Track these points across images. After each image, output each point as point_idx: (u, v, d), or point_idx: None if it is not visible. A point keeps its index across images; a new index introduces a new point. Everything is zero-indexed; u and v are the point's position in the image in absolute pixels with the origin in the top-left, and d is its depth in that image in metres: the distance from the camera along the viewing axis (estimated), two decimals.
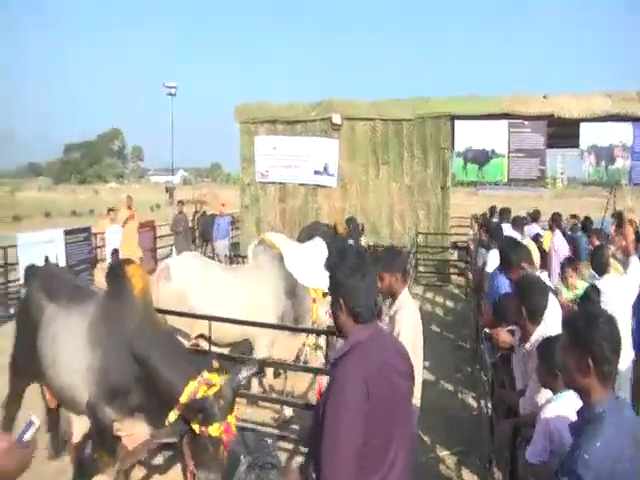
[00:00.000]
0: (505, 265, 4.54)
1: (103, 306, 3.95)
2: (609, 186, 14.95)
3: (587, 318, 2.33)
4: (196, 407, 3.24)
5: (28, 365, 4.37)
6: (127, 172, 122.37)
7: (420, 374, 3.74)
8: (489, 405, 5.89)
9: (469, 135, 14.62)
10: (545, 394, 3.19)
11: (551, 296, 3.92)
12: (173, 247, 14.40)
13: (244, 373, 3.46)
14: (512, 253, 4.46)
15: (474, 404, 6.81)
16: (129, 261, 4.08)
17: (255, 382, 6.64)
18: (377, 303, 2.32)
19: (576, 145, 14.43)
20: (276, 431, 5.83)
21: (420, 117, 14.78)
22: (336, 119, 15.22)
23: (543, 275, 4.45)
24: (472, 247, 11.90)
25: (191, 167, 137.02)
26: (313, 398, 6.49)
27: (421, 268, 14.97)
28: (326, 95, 15.47)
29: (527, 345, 3.58)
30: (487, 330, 4.05)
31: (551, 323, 3.58)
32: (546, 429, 2.91)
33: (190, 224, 17.91)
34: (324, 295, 6.57)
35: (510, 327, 4.07)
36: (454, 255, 15.89)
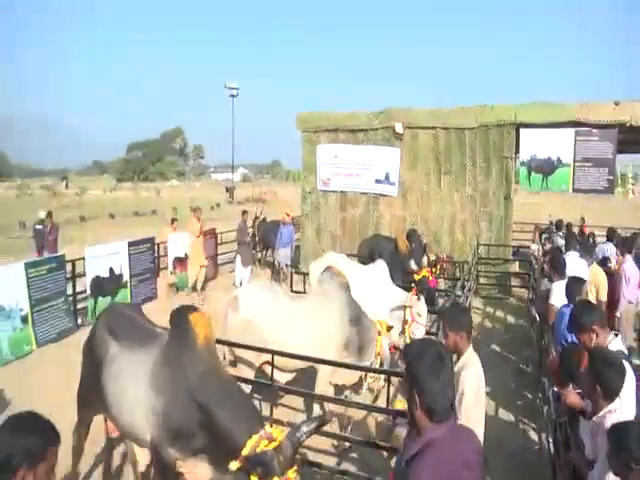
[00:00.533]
0: (575, 328, 4.36)
1: (166, 351, 4.01)
2: None
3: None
4: (256, 461, 3.27)
5: (93, 398, 4.50)
6: (188, 170, 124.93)
7: (482, 425, 3.70)
8: (550, 440, 5.85)
9: (534, 144, 14.27)
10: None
11: (626, 366, 3.69)
12: (237, 256, 14.60)
13: (304, 429, 3.42)
14: (583, 316, 4.26)
15: (535, 437, 6.69)
16: (193, 308, 4.08)
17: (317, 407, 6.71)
18: (452, 402, 2.34)
19: None
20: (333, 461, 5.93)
21: (483, 125, 14.53)
22: (398, 128, 15.18)
23: (616, 341, 4.19)
24: (534, 262, 11.59)
25: (251, 164, 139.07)
26: (372, 430, 6.62)
27: (482, 280, 14.77)
28: (387, 104, 15.39)
29: (595, 418, 3.49)
30: (556, 389, 3.94)
31: (625, 397, 3.47)
32: None
33: (250, 230, 18.21)
34: (388, 329, 6.66)
35: (578, 390, 3.96)
36: (515, 265, 15.62)
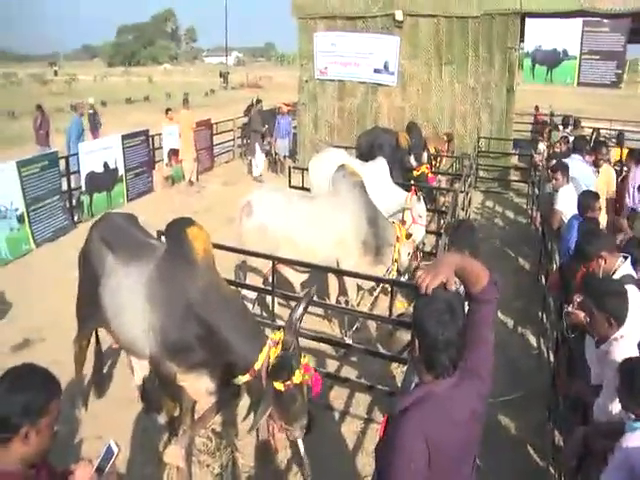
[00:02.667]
0: (582, 256, 4.24)
1: (163, 266, 3.92)
2: None
3: None
4: (280, 369, 3.38)
5: (92, 311, 4.45)
6: (180, 53, 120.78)
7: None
8: (550, 348, 5.85)
9: (539, 34, 13.70)
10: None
11: (632, 290, 3.63)
12: (256, 145, 14.44)
13: (295, 315, 3.48)
14: (590, 245, 4.12)
15: (534, 342, 6.76)
16: (190, 221, 3.92)
17: None
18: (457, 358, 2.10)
19: None
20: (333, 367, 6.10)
21: (487, 14, 13.80)
22: (399, 15, 14.46)
23: (625, 265, 4.04)
24: (539, 163, 11.35)
25: (245, 47, 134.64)
26: (373, 335, 6.72)
27: (481, 173, 14.71)
28: None
29: (603, 347, 3.38)
30: (569, 309, 3.85)
31: (632, 322, 3.35)
32: (626, 463, 2.67)
33: (246, 120, 17.83)
34: (408, 237, 6.63)
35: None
36: (515, 159, 15.47)
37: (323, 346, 6.14)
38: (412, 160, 9.59)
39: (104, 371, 5.60)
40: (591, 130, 14.55)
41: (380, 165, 8.28)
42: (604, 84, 13.81)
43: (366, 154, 9.57)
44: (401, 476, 1.97)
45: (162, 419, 4.67)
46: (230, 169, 16.33)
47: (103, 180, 11.50)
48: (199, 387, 3.94)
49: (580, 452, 3.35)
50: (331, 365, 6.11)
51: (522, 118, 17.89)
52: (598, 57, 13.46)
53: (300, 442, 3.67)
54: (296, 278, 6.72)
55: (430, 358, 2.07)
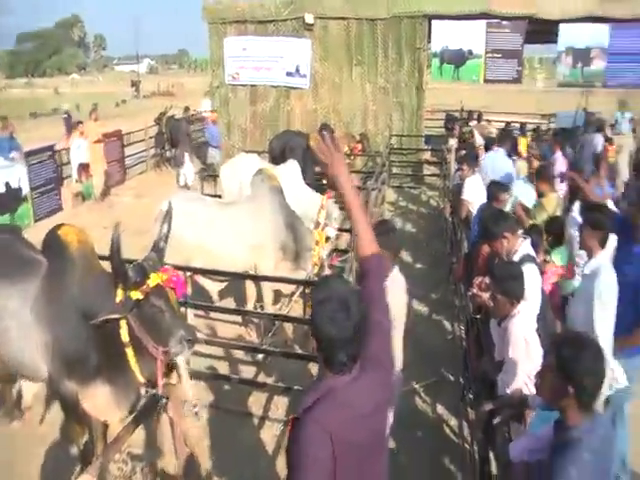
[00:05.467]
0: (486, 236, 4.44)
1: (47, 280, 3.78)
2: (585, 86, 14.75)
3: (575, 349, 2.37)
4: (131, 275, 3.30)
5: None
6: (89, 62, 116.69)
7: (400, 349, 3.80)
8: (463, 331, 6.10)
9: (445, 35, 14.33)
10: (522, 378, 3.36)
11: (531, 268, 3.96)
12: (184, 154, 13.82)
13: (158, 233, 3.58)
14: (494, 225, 4.28)
15: (449, 327, 6.98)
16: (59, 225, 3.87)
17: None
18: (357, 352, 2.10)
19: (554, 42, 14.25)
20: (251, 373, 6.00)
21: (396, 16, 14.22)
22: (308, 18, 14.53)
23: (525, 244, 4.29)
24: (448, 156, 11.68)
25: (157, 54, 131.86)
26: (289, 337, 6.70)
27: (395, 170, 15.05)
28: None
29: (503, 324, 3.61)
30: (474, 291, 4.00)
31: (529, 297, 3.68)
32: (533, 442, 2.82)
33: (157, 129, 17.36)
34: (327, 240, 6.62)
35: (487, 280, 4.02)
36: (427, 154, 15.87)
37: (240, 353, 6.11)
38: None
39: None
40: (503, 124, 15.09)
41: (292, 168, 8.24)
42: (507, 80, 14.56)
43: (278, 158, 9.53)
44: (305, 474, 1.95)
45: (74, 448, 4.41)
46: (143, 181, 15.78)
47: (5, 201, 10.78)
48: (103, 403, 3.72)
49: (488, 424, 3.57)
50: (249, 371, 6.04)
51: (433, 115, 18.38)
52: (500, 55, 14.22)
53: (182, 364, 3.52)
54: (213, 287, 6.60)
55: (328, 356, 2.07)
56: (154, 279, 3.32)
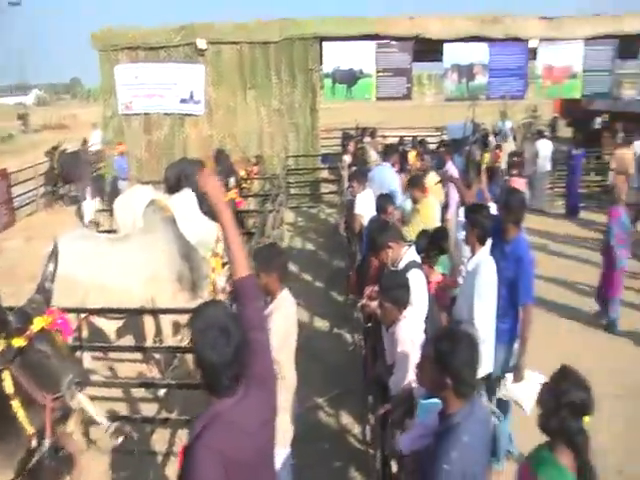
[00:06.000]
0: (372, 247, 4.61)
1: None
2: (470, 100, 15.57)
3: (451, 342, 2.53)
4: (12, 321, 3.02)
5: None
6: None
7: (292, 368, 3.82)
8: (362, 342, 6.17)
9: (337, 56, 14.71)
10: (410, 378, 3.44)
11: (416, 273, 4.16)
12: (87, 189, 13.17)
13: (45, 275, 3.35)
14: (378, 236, 4.48)
15: (350, 339, 7.09)
16: None
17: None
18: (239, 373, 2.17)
19: (440, 60, 15.10)
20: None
21: (287, 39, 14.53)
22: (201, 44, 14.49)
23: (410, 251, 4.50)
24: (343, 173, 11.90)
25: (47, 84, 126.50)
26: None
27: (293, 190, 15.19)
28: (190, 18, 14.69)
29: (391, 329, 3.77)
30: (364, 302, 4.16)
31: (416, 302, 3.89)
32: (420, 430, 2.95)
33: (49, 165, 16.43)
34: (223, 265, 6.51)
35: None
36: (325, 172, 16.09)
37: (142, 391, 5.91)
38: None
39: None
40: (397, 139, 15.59)
41: (186, 197, 8.10)
42: (398, 97, 15.16)
43: (174, 187, 9.31)
44: None
45: None
46: (34, 222, 14.73)
47: None
48: None
49: (384, 425, 3.74)
50: (151, 409, 5.82)
51: (330, 134, 18.68)
52: (390, 74, 14.82)
53: (84, 401, 3.22)
54: (110, 326, 6.35)
55: (212, 382, 2.14)
56: (38, 323, 3.09)
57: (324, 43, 14.57)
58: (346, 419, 5.48)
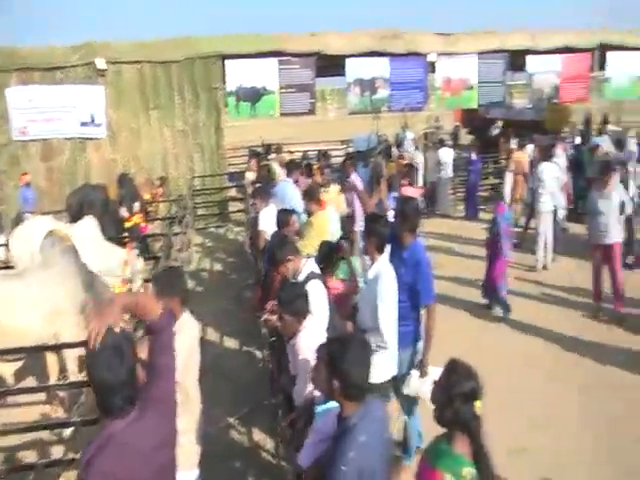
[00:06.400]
0: (273, 262, 4.73)
1: None
2: (373, 112, 16.03)
3: (340, 347, 2.63)
4: None
5: None
6: None
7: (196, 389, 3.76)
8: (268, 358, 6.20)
9: (240, 74, 14.71)
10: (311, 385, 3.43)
11: (315, 284, 4.31)
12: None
13: None
14: (278, 251, 4.61)
15: (259, 355, 7.09)
16: None
17: None
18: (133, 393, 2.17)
19: (342, 75, 15.48)
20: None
21: (189, 58, 14.36)
22: (100, 64, 13.96)
23: (309, 263, 4.64)
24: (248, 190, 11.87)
25: None
26: None
27: (201, 211, 14.92)
28: (88, 37, 14.24)
29: (292, 341, 3.85)
30: (265, 316, 4.19)
31: (315, 312, 3.99)
32: (318, 435, 3.04)
33: None
34: (130, 290, 6.36)
35: None
36: (233, 191, 15.84)
37: (46, 433, 5.61)
38: (124, 212, 9.34)
39: None
40: (301, 154, 15.79)
41: (89, 224, 7.85)
42: (302, 112, 15.37)
43: (77, 214, 8.98)
44: None
45: None
46: None
47: None
48: None
49: (290, 434, 3.82)
50: (58, 451, 5.53)
51: (237, 152, 18.52)
52: (294, 90, 14.99)
53: None
54: (8, 368, 5.99)
55: (106, 403, 2.14)
56: None
57: (226, 61, 14.52)
58: (258, 435, 5.45)
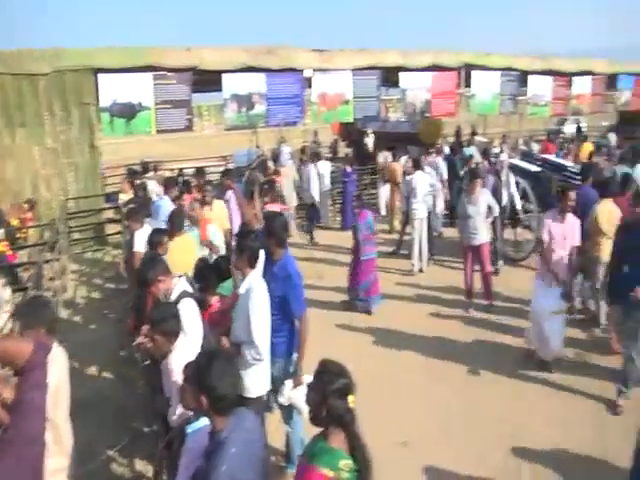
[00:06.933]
0: (143, 282, 4.61)
1: None
2: (250, 128, 16.15)
3: (205, 363, 2.65)
4: None
5: None
6: None
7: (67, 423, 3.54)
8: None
9: (114, 88, 14.11)
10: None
11: (188, 302, 4.31)
12: None
13: None
14: (147, 271, 4.54)
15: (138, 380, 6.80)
16: None
17: None
18: None
19: (219, 90, 15.42)
20: None
21: (59, 71, 13.46)
22: None
23: (182, 282, 4.61)
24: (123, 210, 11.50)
25: None
26: None
27: (76, 235, 13.96)
28: None
29: (164, 362, 3.81)
30: (139, 339, 4.08)
31: (188, 331, 4.01)
32: (192, 454, 3.00)
33: None
34: None
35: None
36: (110, 213, 15.11)
37: None
38: None
39: None
40: (177, 171, 15.62)
41: None
42: (179, 129, 15.09)
43: None
44: None
45: None
46: None
47: None
48: None
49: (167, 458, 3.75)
50: None
51: (115, 171, 17.76)
52: (170, 106, 14.69)
53: None
54: None
55: None
56: None
57: (99, 75, 13.84)
58: (140, 464, 5.27)
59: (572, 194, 6.69)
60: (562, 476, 4.95)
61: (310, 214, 13.63)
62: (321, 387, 2.62)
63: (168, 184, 9.17)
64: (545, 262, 6.72)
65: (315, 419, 2.67)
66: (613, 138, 20.20)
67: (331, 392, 2.58)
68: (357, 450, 2.58)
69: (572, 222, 6.69)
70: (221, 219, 8.13)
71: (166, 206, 8.00)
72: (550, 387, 6.44)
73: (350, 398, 2.62)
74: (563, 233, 6.62)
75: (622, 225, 6.33)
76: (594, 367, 6.79)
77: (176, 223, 6.48)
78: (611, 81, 21.38)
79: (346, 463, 2.53)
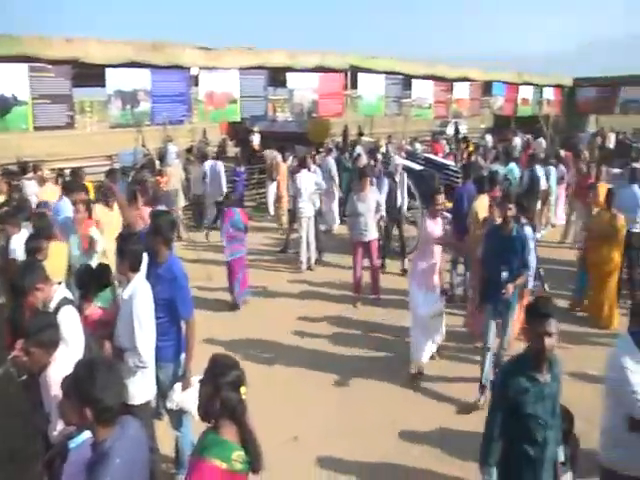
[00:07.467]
0: (21, 292, 4.34)
1: None
2: (135, 126, 15.65)
3: (86, 371, 2.58)
4: None
5: None
6: None
7: None
8: None
9: None
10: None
11: (68, 310, 4.16)
12: None
13: None
14: (24, 279, 4.28)
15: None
16: None
17: None
18: None
19: (103, 85, 14.61)
20: None
21: None
22: None
23: (61, 290, 4.40)
24: None
25: None
26: None
27: None
28: None
29: (42, 375, 3.64)
30: (15, 353, 3.87)
31: (71, 342, 3.90)
32: (74, 468, 2.89)
33: None
34: None
35: None
36: None
37: None
38: None
39: None
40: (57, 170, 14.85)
41: None
42: (59, 126, 14.19)
43: None
44: None
45: None
46: None
47: None
48: None
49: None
50: None
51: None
52: (49, 101, 13.72)
53: None
54: None
55: None
56: None
57: None
58: None
59: (440, 197, 7.13)
60: (451, 453, 5.33)
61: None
62: (213, 380, 2.63)
63: (72, 186, 8.66)
64: (421, 257, 7.03)
65: (206, 414, 2.68)
66: (489, 139, 21.82)
67: (224, 384, 2.61)
68: (249, 442, 2.63)
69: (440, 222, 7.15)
70: (117, 222, 7.88)
71: (66, 208, 7.67)
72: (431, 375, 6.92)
73: (242, 389, 2.66)
74: (435, 231, 7.02)
75: (486, 232, 6.71)
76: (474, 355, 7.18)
77: (43, 228, 6.20)
78: (487, 87, 22.60)
79: (239, 454, 2.58)
